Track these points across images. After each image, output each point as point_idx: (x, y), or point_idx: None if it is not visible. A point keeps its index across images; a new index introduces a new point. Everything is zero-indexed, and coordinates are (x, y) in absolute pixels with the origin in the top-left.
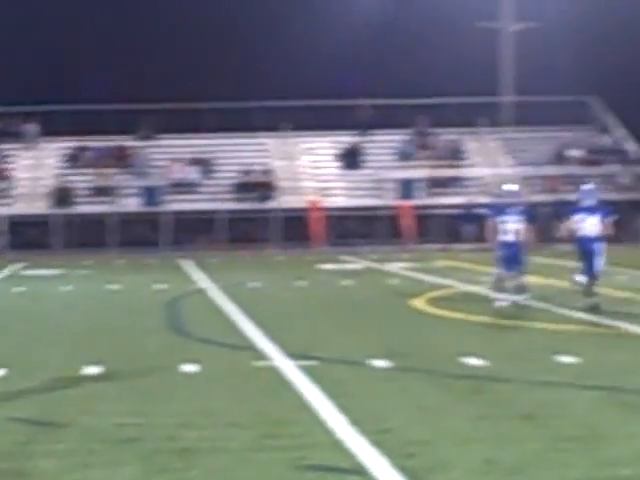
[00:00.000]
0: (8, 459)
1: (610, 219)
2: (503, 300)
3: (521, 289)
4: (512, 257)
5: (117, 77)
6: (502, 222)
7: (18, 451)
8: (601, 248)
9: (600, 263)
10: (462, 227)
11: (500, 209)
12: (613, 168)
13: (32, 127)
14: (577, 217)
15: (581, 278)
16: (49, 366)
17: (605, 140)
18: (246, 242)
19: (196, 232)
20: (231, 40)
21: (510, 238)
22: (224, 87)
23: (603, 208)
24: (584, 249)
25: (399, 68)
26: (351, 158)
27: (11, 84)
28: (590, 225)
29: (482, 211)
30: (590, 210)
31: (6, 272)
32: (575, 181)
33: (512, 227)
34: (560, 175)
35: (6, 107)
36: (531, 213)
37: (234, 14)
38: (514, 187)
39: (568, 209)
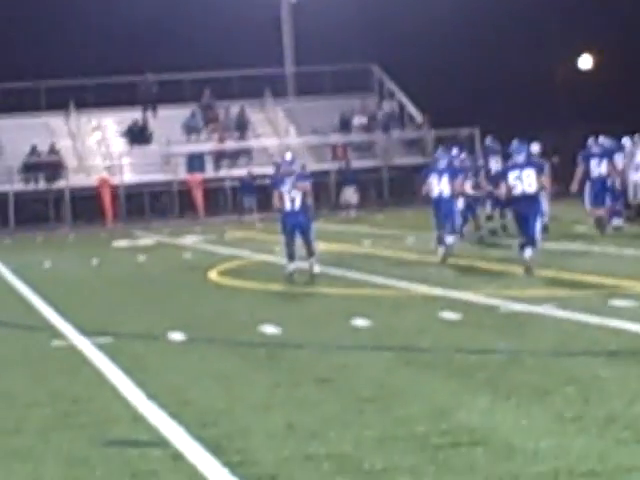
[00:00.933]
0: None
1: (459, 179)
2: (292, 267)
3: (310, 255)
4: (296, 224)
5: None
6: (282, 192)
7: None
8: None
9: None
10: (243, 198)
11: (279, 179)
12: (395, 134)
13: None
14: (431, 178)
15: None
16: None
17: (387, 107)
18: (37, 223)
19: None
20: (13, 19)
21: (289, 207)
22: (6, 67)
23: (451, 169)
24: (436, 207)
25: (181, 42)
26: (138, 134)
27: None
28: (443, 184)
29: (263, 181)
30: (440, 171)
31: None
32: (360, 147)
33: (291, 195)
34: (345, 143)
35: None
36: (306, 177)
37: None
38: (288, 156)
39: (424, 171)
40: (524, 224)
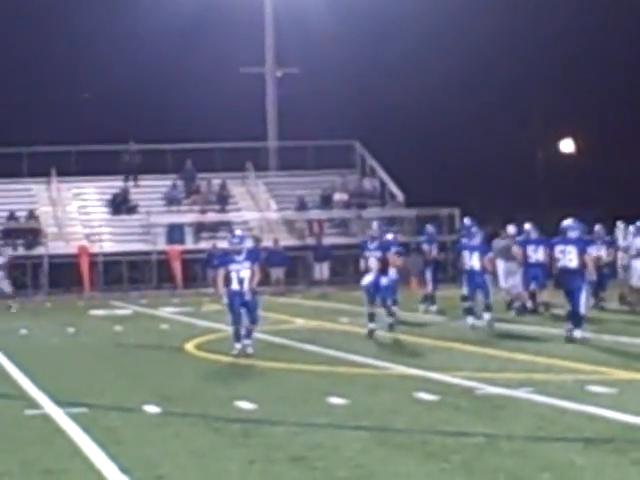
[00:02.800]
0: None
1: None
2: (239, 346)
3: (249, 335)
4: (243, 304)
5: None
6: (230, 270)
7: None
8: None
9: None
10: (206, 271)
11: (227, 257)
12: (373, 211)
13: None
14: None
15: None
16: None
17: (368, 184)
18: (14, 289)
19: None
20: None
21: (237, 286)
22: None
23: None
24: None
25: (165, 113)
26: (120, 203)
27: None
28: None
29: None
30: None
31: None
32: (339, 224)
33: (240, 275)
34: (322, 219)
35: None
36: (256, 256)
37: None
38: (237, 232)
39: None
40: (569, 298)
